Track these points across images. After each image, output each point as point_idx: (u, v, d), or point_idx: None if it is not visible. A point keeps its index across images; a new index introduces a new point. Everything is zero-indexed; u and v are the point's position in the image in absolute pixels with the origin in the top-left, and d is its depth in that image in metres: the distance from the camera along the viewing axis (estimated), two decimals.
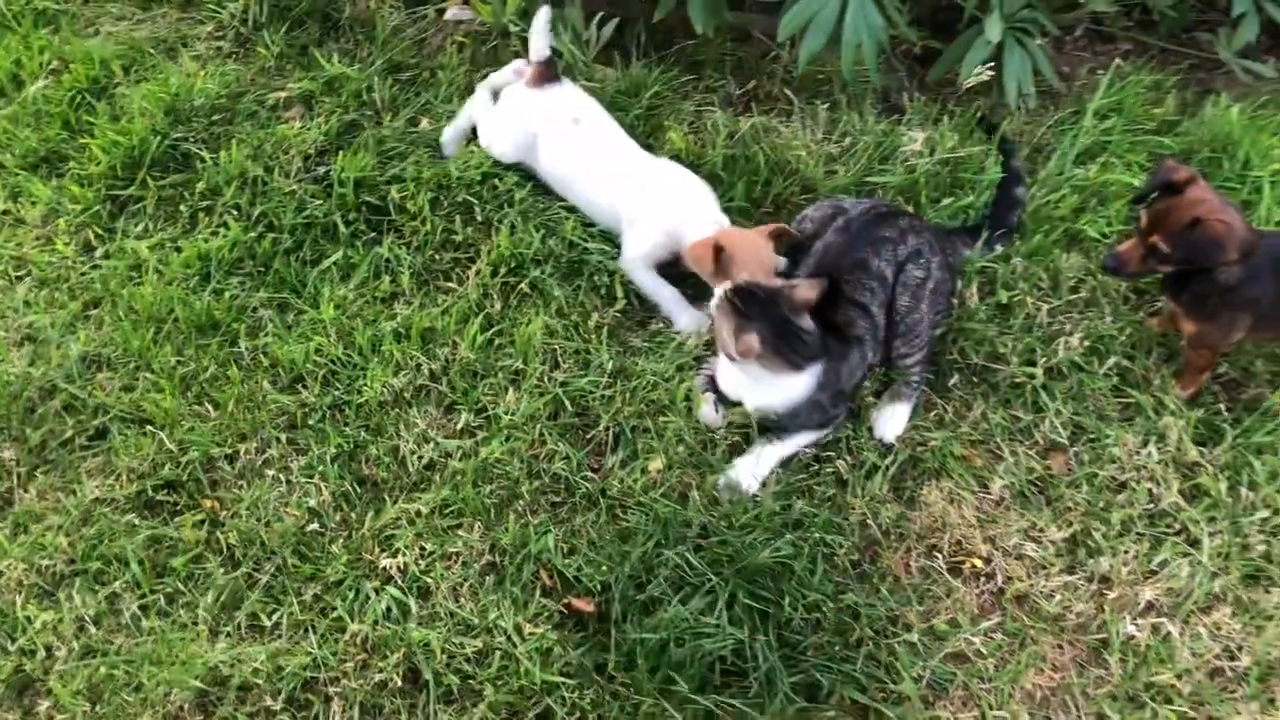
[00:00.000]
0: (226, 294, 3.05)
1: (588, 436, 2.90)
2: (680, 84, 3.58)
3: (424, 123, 3.45)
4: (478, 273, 3.13)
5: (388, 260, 3.15)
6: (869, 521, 2.81)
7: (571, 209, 3.25)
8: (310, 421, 2.86)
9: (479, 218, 3.23)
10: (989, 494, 2.91)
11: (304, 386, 2.91)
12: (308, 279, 3.10)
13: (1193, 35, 3.99)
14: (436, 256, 3.17)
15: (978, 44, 3.43)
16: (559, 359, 3.01)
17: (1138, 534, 2.84)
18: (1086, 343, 3.11)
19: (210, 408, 2.88)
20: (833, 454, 2.89)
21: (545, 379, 2.95)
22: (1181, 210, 2.73)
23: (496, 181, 3.27)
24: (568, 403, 2.91)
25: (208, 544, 2.68)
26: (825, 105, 3.51)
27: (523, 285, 3.11)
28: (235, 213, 3.21)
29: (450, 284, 3.13)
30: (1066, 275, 3.22)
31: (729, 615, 2.57)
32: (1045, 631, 2.69)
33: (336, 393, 2.90)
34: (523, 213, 3.23)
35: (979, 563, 2.79)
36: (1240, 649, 2.68)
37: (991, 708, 2.56)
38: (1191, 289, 2.83)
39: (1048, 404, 3.02)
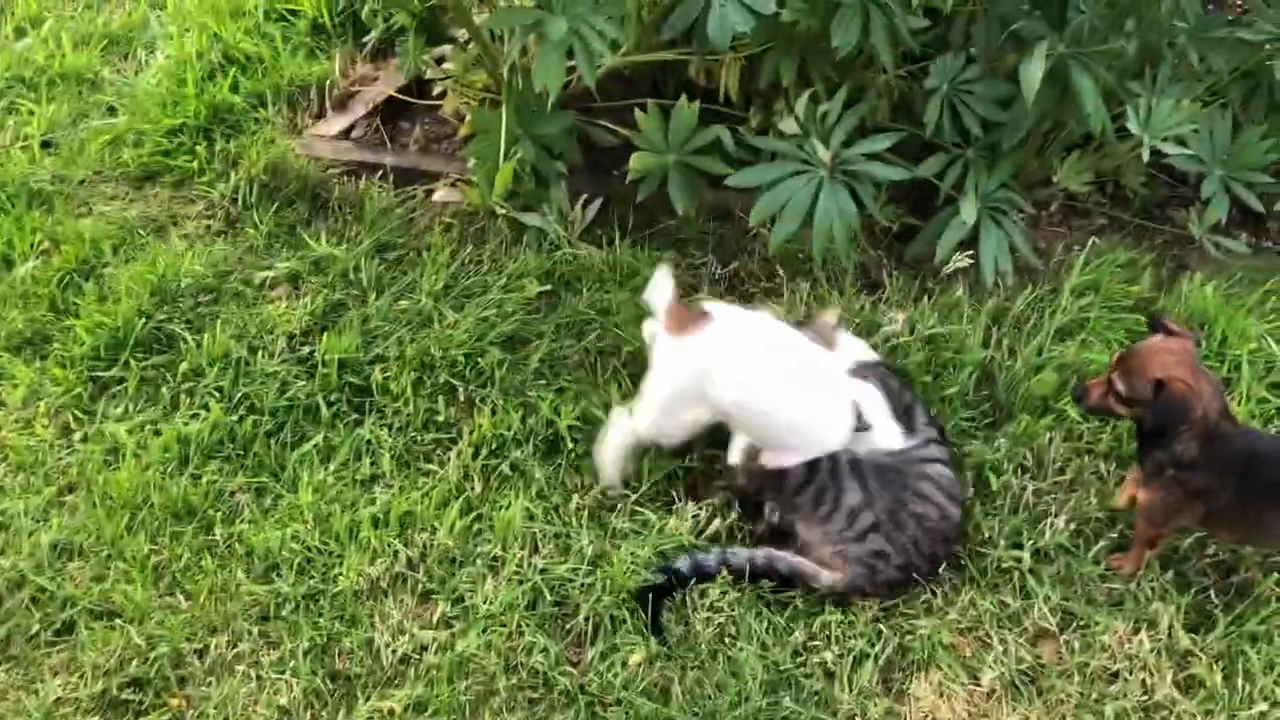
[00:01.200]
0: (204, 478, 3.02)
1: (567, 627, 2.83)
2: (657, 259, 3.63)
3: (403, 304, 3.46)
4: (459, 454, 3.11)
5: (369, 442, 3.14)
6: (857, 718, 2.73)
7: (559, 390, 3.25)
8: (283, 612, 2.79)
9: (461, 397, 3.23)
10: (979, 686, 2.83)
11: (278, 575, 2.86)
12: (287, 462, 3.08)
13: (1166, 211, 4.08)
14: (418, 438, 3.16)
15: (954, 224, 3.51)
16: (539, 544, 2.96)
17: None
18: (1073, 525, 3.09)
19: (182, 598, 2.82)
20: (820, 643, 2.83)
21: (524, 565, 2.90)
22: (1150, 356, 2.72)
23: (479, 360, 3.28)
24: (547, 591, 2.85)
25: None
26: (807, 283, 3.56)
27: (503, 466, 3.09)
28: (217, 394, 3.20)
29: (431, 465, 3.11)
30: (1051, 456, 3.21)
31: None
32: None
33: (312, 581, 2.84)
34: (504, 391, 3.24)
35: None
36: None
37: None
38: (1152, 455, 2.79)
39: (1035, 589, 2.97)
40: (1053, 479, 3.18)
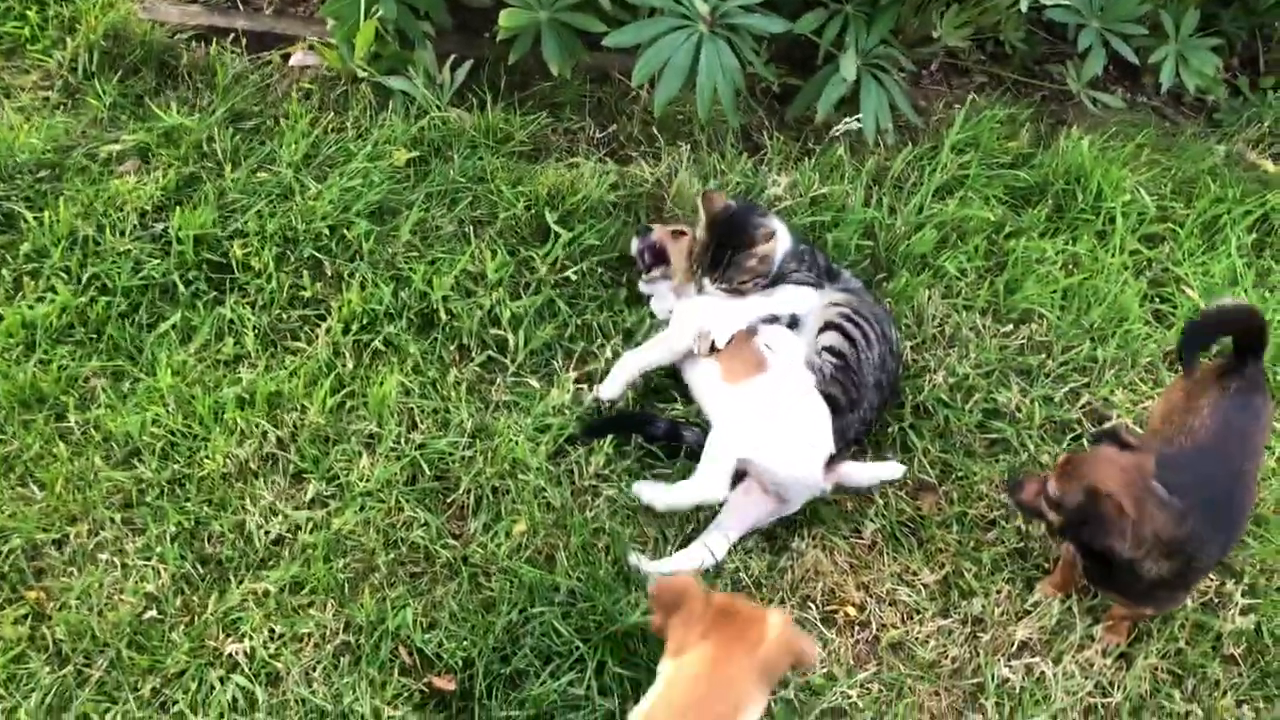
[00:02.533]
0: (54, 364, 2.84)
1: (448, 501, 2.77)
2: (541, 127, 3.49)
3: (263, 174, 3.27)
4: (328, 331, 2.98)
5: (231, 321, 2.98)
6: (741, 574, 2.74)
7: (432, 262, 3.12)
8: (147, 499, 2.67)
9: (328, 272, 3.08)
10: (861, 539, 2.87)
11: (140, 461, 2.72)
12: (144, 344, 2.91)
13: (1045, 68, 4.07)
14: (284, 315, 3.01)
15: (834, 81, 3.43)
16: (416, 419, 2.88)
17: (1010, 573, 2.83)
18: (951, 380, 3.12)
19: (35, 488, 2.67)
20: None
21: (402, 442, 2.82)
22: (1091, 466, 2.42)
23: (345, 232, 3.13)
24: (426, 466, 2.78)
25: (31, 640, 2.47)
26: (688, 145, 3.46)
27: (375, 342, 2.98)
28: (64, 275, 2.99)
29: (299, 344, 2.97)
30: (930, 313, 3.22)
31: (598, 684, 2.47)
32: (922, 679, 2.65)
33: (176, 466, 2.72)
34: (374, 264, 3.10)
35: (853, 611, 2.74)
36: (1112, 685, 2.68)
37: None
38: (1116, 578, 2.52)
39: (915, 443, 3.00)
40: (932, 335, 3.20)
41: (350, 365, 2.93)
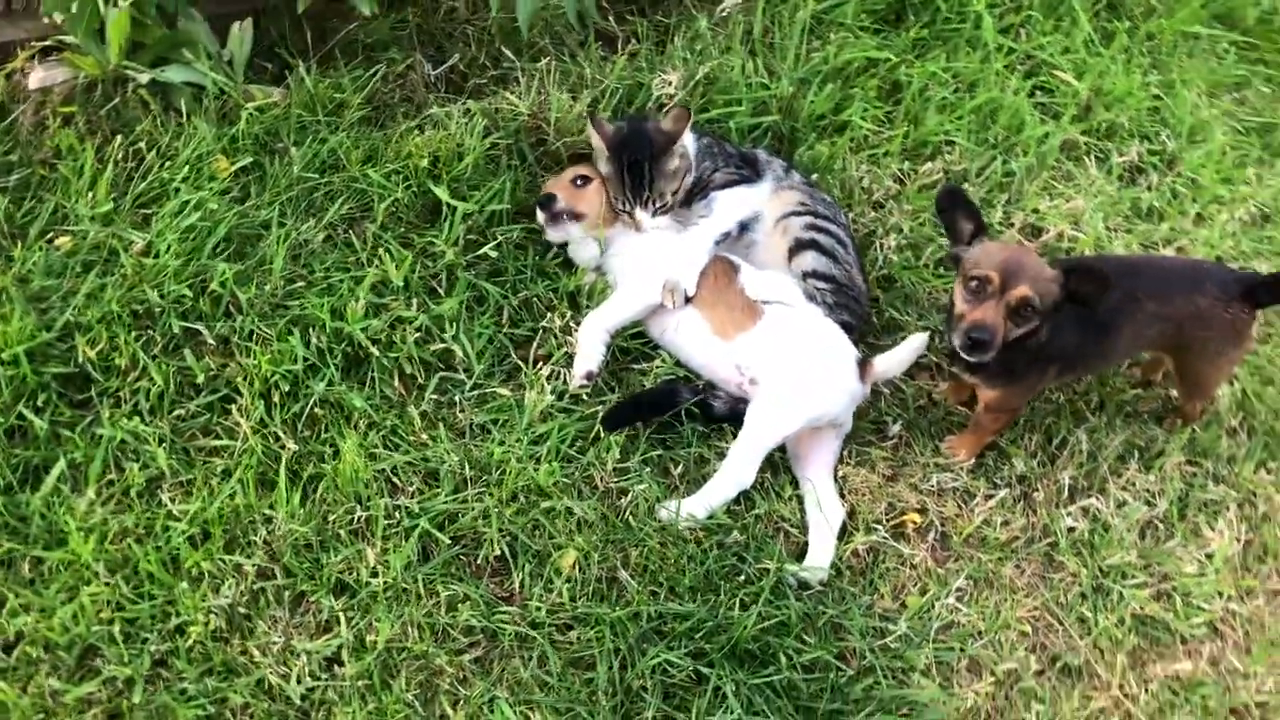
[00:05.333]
0: None
1: (478, 563, 2.40)
2: (369, 82, 2.91)
3: (64, 240, 2.57)
4: (246, 413, 2.44)
5: (123, 441, 2.37)
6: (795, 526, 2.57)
7: (326, 290, 2.58)
8: (135, 702, 2.13)
9: (211, 341, 2.49)
10: (889, 439, 2.75)
11: (102, 660, 2.16)
12: (30, 512, 2.27)
13: None
14: (183, 412, 2.43)
15: None
16: (398, 482, 2.44)
17: (1031, 424, 2.81)
18: (898, 240, 2.99)
19: None
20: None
21: (398, 515, 2.39)
22: (1018, 254, 2.37)
23: (209, 284, 2.52)
24: (437, 533, 2.38)
25: None
26: (548, 60, 3.00)
27: (311, 408, 2.47)
28: None
29: (219, 441, 2.42)
30: (855, 177, 3.04)
31: (744, 705, 2.25)
32: (1003, 561, 2.61)
33: (152, 649, 2.17)
34: (261, 314, 2.53)
35: (916, 517, 2.64)
36: (1156, 494, 2.75)
37: (997, 663, 2.46)
38: (997, 359, 2.40)
39: (896, 318, 2.88)
40: (859, 196, 3.03)
41: (293, 445, 2.42)
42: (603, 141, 2.72)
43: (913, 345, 2.64)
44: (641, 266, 2.69)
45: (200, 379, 2.44)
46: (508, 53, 3.01)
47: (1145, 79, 3.50)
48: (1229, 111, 3.62)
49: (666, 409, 2.59)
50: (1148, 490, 2.75)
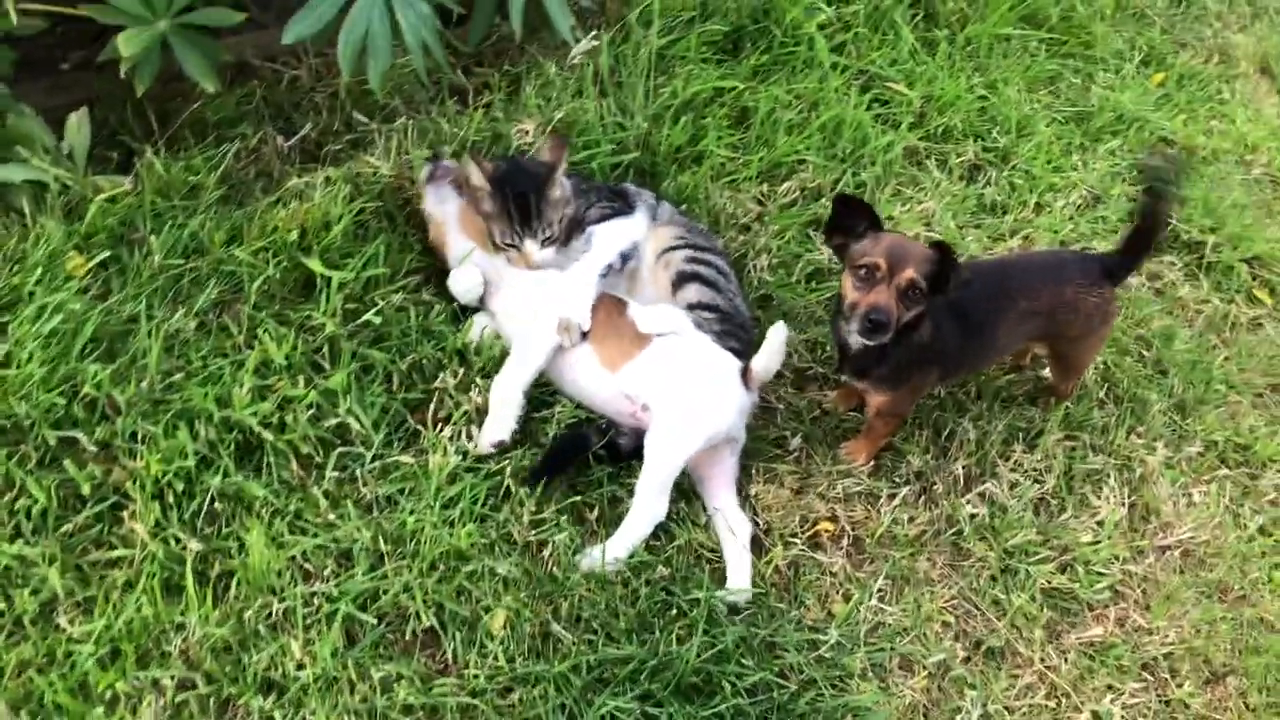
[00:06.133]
0: None
1: (406, 638, 2.33)
2: (222, 160, 2.82)
3: None
4: (139, 518, 2.31)
5: (7, 567, 2.22)
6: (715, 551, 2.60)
7: (212, 379, 2.48)
8: None
9: (91, 448, 2.36)
10: (790, 453, 2.81)
11: None
12: None
13: None
14: (70, 527, 2.29)
15: None
16: (309, 568, 2.35)
17: (920, 421, 2.91)
18: (769, 260, 3.07)
19: None
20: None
21: (313, 602, 2.30)
22: (903, 243, 2.44)
23: (83, 389, 2.39)
24: (360, 614, 2.30)
25: None
26: (404, 119, 2.97)
27: (210, 504, 2.36)
28: None
29: (114, 551, 2.29)
30: (720, 204, 3.11)
31: None
32: (916, 556, 2.70)
33: None
34: (143, 413, 2.41)
35: (829, 525, 2.71)
36: (1044, 471, 2.89)
37: (926, 656, 2.54)
38: (884, 363, 2.56)
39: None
40: (726, 222, 3.11)
41: (196, 545, 2.31)
42: (484, 178, 2.70)
43: (778, 336, 2.66)
44: (532, 309, 2.68)
45: (85, 489, 2.30)
46: (360, 116, 2.97)
47: (970, 81, 3.70)
48: (1048, 104, 3.86)
49: (580, 454, 2.58)
50: (1035, 469, 2.89)
